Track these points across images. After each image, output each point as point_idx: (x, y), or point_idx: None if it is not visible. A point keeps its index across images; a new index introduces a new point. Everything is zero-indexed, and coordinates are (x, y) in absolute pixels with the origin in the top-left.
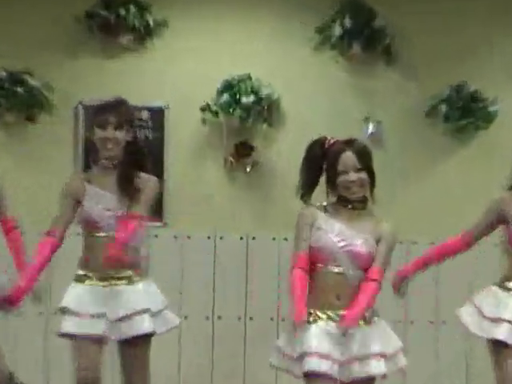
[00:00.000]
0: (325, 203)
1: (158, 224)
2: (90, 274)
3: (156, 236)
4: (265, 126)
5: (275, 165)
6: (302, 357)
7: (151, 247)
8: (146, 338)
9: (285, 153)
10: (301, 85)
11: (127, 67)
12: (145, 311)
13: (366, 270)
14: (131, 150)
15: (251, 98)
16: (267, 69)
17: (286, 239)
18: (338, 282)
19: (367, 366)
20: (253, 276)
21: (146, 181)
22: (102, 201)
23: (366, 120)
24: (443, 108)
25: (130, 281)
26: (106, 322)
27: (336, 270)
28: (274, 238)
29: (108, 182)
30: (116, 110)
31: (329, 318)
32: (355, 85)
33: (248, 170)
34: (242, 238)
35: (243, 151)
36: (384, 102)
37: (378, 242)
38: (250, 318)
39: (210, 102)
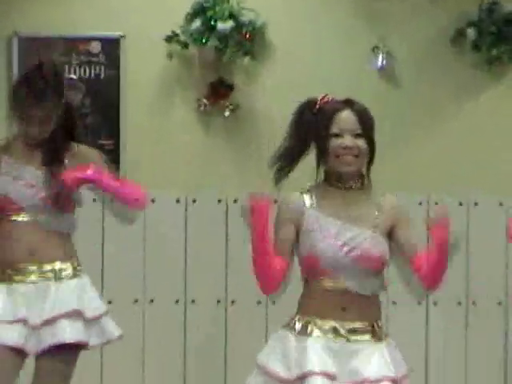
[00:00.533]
0: (309, 184)
1: None
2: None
3: (111, 200)
4: (246, 59)
5: (260, 107)
6: (301, 378)
7: (105, 213)
8: (71, 349)
9: (271, 92)
10: (291, 7)
11: None
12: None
13: (377, 273)
14: (61, 120)
15: (229, 25)
16: None
17: (275, 201)
18: (343, 295)
19: None
20: (234, 249)
21: (85, 155)
22: (24, 176)
23: (375, 50)
24: (472, 33)
25: (57, 276)
26: (25, 329)
27: (341, 284)
28: None
29: (32, 155)
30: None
31: (333, 330)
32: (361, 6)
33: (226, 114)
34: (220, 201)
35: (220, 91)
36: (397, 28)
37: (392, 227)
38: (232, 302)
39: (177, 31)
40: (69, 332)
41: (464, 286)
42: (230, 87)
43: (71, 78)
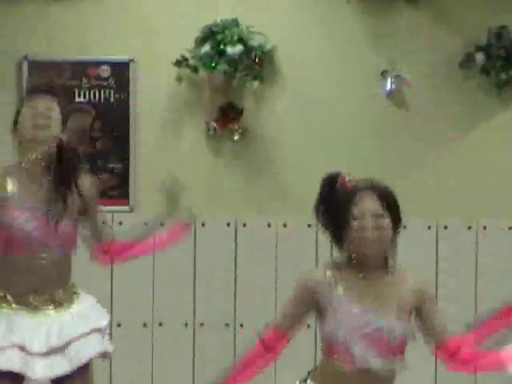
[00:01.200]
0: (333, 259)
1: (124, 208)
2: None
3: (121, 223)
4: (256, 83)
5: (269, 131)
6: None
7: (116, 237)
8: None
9: (280, 116)
10: (301, 31)
11: (82, 11)
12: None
13: (397, 356)
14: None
15: (238, 49)
16: (259, 12)
17: (285, 226)
18: (361, 379)
19: None
20: (242, 273)
21: (87, 185)
22: (28, 209)
23: (384, 74)
24: (480, 58)
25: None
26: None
27: (360, 367)
28: (269, 225)
29: (35, 185)
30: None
31: None
32: (370, 30)
33: (236, 138)
34: (229, 225)
35: (229, 115)
36: (406, 51)
37: (417, 307)
38: (241, 325)
39: (186, 55)
40: (87, 350)
41: (473, 309)
42: (240, 111)
43: (81, 102)
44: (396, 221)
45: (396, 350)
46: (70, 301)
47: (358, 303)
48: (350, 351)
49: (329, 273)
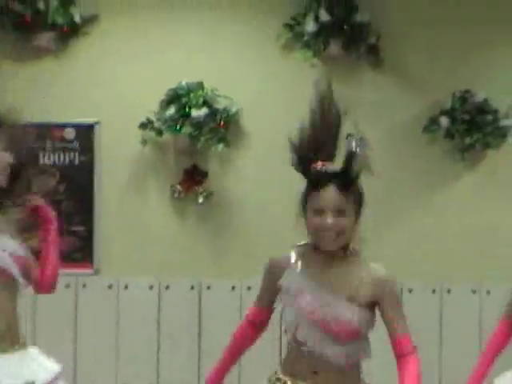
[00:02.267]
0: (302, 243)
1: (87, 271)
2: None
3: (84, 286)
4: (220, 146)
5: (233, 195)
6: None
7: (78, 300)
8: None
9: (245, 180)
10: (266, 95)
11: (47, 73)
12: None
13: (352, 343)
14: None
15: (203, 112)
16: (224, 75)
17: (249, 288)
18: (314, 359)
19: None
20: (207, 334)
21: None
22: None
23: (349, 137)
24: (445, 121)
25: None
26: None
27: (308, 348)
28: (233, 287)
29: None
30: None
31: None
32: (335, 93)
33: (200, 200)
34: (193, 288)
35: (194, 178)
36: (370, 115)
37: (376, 300)
38: None
39: (152, 117)
40: None
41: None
42: (204, 174)
43: (45, 164)
44: (358, 210)
45: (347, 336)
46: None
47: (312, 290)
48: (302, 336)
49: (292, 258)
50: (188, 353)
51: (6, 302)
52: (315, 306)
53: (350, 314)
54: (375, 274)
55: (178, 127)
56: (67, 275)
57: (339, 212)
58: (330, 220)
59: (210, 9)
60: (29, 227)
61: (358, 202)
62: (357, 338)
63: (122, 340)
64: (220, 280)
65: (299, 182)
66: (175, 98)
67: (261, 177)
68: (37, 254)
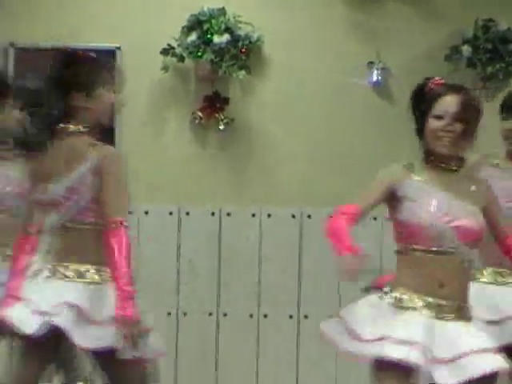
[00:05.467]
0: (408, 162)
1: None
2: None
3: None
4: (242, 73)
5: (255, 121)
6: (380, 339)
7: None
8: None
9: (266, 106)
10: (287, 23)
11: (69, 1)
12: None
13: (475, 248)
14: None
15: (225, 38)
16: (246, 1)
17: (269, 216)
18: (441, 265)
19: (486, 359)
20: (227, 261)
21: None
22: None
23: (370, 65)
24: (467, 50)
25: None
26: None
27: (439, 249)
28: (253, 215)
29: None
30: None
31: (427, 305)
32: (357, 22)
33: (221, 127)
34: (213, 214)
35: (215, 104)
36: (392, 43)
37: (486, 205)
38: (224, 315)
39: (173, 44)
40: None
41: None
42: (226, 101)
43: None
44: (473, 127)
45: (473, 241)
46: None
47: (439, 190)
48: (433, 235)
49: (405, 168)
50: (207, 280)
51: None
52: (446, 211)
53: (480, 220)
54: (484, 181)
55: (199, 53)
56: None
57: (457, 119)
58: (448, 125)
59: None
60: None
61: (474, 115)
62: (479, 244)
63: (141, 266)
64: (240, 207)
65: (321, 108)
66: (197, 24)
67: (281, 103)
68: None
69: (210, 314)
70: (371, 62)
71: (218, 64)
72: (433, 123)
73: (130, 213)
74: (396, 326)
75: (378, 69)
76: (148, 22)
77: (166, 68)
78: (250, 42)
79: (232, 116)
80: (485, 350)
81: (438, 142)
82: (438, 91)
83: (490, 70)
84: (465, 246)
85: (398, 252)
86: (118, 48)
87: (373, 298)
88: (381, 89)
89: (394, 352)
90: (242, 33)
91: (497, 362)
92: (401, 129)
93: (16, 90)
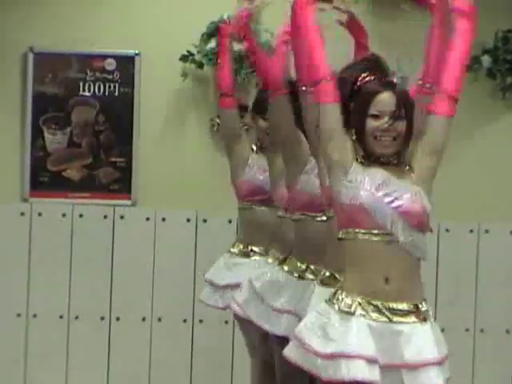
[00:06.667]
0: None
1: (126, 202)
2: None
3: (122, 217)
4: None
5: None
6: (336, 357)
7: (115, 231)
8: None
9: None
10: None
11: (90, 4)
12: None
13: (422, 232)
14: None
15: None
16: (265, 9)
17: None
18: (385, 254)
19: (423, 375)
20: None
21: None
22: None
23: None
24: (487, 61)
25: None
26: None
27: (382, 236)
28: None
29: None
30: None
31: (376, 310)
32: (378, 31)
33: None
34: (230, 222)
35: None
36: (413, 53)
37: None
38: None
39: (192, 50)
40: None
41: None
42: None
43: (85, 95)
44: (410, 121)
45: (418, 223)
46: None
47: (381, 172)
48: (375, 218)
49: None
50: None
51: None
52: (387, 191)
53: (422, 202)
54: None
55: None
56: (105, 206)
57: (397, 118)
58: (387, 123)
59: None
60: None
61: (410, 111)
62: (426, 229)
63: (157, 272)
64: None
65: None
66: (216, 31)
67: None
68: None
69: (226, 323)
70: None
71: (236, 71)
72: (370, 123)
73: (147, 219)
74: (347, 339)
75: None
76: (168, 29)
77: (185, 74)
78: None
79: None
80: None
81: (378, 143)
82: (372, 89)
83: (509, 80)
84: (409, 230)
85: (340, 240)
86: (138, 54)
87: (322, 305)
88: None
89: (350, 371)
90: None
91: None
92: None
93: (35, 95)
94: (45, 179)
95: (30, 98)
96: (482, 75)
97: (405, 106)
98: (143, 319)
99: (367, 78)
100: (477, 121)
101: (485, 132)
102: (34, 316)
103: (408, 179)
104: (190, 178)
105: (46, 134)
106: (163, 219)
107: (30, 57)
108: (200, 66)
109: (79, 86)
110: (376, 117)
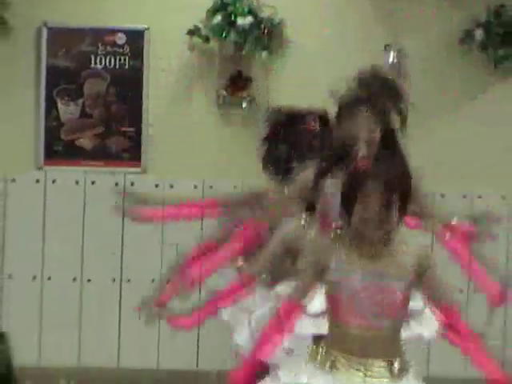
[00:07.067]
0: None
1: (136, 169)
2: None
3: (132, 184)
4: (264, 53)
5: (275, 100)
6: None
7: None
8: None
9: (287, 85)
10: (308, 5)
11: None
12: None
13: (398, 320)
14: None
15: (248, 20)
16: None
17: None
18: (363, 338)
19: None
20: None
21: None
22: None
23: (387, 48)
24: (479, 34)
25: None
26: None
27: (360, 330)
28: None
29: None
30: None
31: (352, 366)
32: (374, 6)
33: (244, 105)
34: (235, 187)
35: (239, 83)
36: (409, 27)
37: (420, 271)
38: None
39: (199, 25)
40: None
41: None
42: (249, 80)
43: (97, 68)
44: (405, 202)
45: (397, 310)
46: None
47: (360, 259)
48: (353, 311)
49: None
50: None
51: None
52: (367, 284)
53: (405, 288)
54: (417, 248)
55: (223, 34)
56: (116, 173)
57: (385, 206)
58: (375, 210)
59: None
60: None
61: (406, 197)
62: (407, 311)
63: (167, 235)
64: (260, 180)
65: (340, 88)
66: (222, 6)
67: (301, 83)
68: None
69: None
70: (388, 45)
71: (241, 45)
72: (361, 209)
73: (156, 186)
74: None
75: (394, 51)
76: (175, 4)
77: (192, 48)
78: (272, 24)
79: (254, 94)
80: None
81: (367, 226)
82: (364, 176)
83: (501, 53)
84: (388, 320)
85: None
86: (147, 29)
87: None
88: (397, 70)
89: None
90: (264, 15)
91: None
92: (418, 111)
93: (49, 68)
94: (58, 148)
95: (44, 70)
96: (475, 48)
97: (401, 185)
98: None
99: (363, 165)
100: (469, 92)
101: (478, 103)
102: (49, 279)
103: (392, 266)
104: (197, 147)
105: (59, 105)
106: (171, 186)
107: (44, 31)
108: (206, 39)
109: (91, 60)
110: (367, 202)
